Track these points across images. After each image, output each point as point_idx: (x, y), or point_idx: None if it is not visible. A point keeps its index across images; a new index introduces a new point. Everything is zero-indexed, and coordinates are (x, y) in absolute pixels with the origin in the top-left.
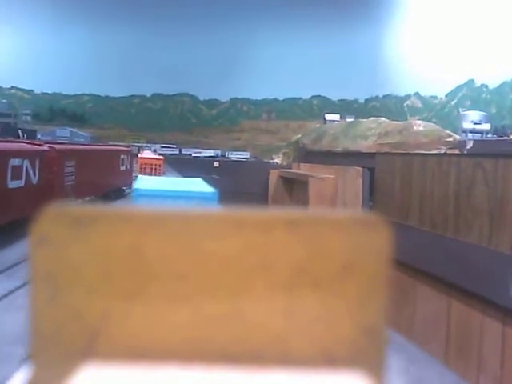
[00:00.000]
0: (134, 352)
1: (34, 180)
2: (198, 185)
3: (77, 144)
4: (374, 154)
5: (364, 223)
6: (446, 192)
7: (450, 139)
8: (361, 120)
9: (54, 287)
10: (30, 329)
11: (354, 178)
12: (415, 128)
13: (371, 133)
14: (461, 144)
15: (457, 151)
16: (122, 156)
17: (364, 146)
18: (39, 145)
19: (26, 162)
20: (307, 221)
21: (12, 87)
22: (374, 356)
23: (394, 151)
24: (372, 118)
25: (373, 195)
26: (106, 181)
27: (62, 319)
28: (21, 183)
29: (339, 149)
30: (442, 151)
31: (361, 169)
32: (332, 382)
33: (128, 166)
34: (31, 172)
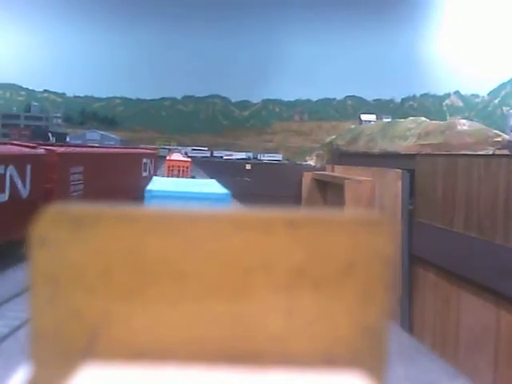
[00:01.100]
0: (134, 352)
1: (24, 192)
2: (211, 186)
3: (88, 146)
4: (415, 155)
5: (364, 224)
6: (495, 195)
7: (499, 139)
8: (399, 120)
9: (54, 287)
10: (30, 329)
11: (393, 181)
12: (459, 128)
13: (411, 133)
14: (511, 144)
15: (506, 152)
16: (144, 160)
17: (403, 147)
18: (33, 147)
19: (11, 170)
20: (307, 221)
21: (44, 90)
22: (374, 356)
23: (436, 152)
24: (411, 118)
25: (413, 198)
26: (123, 189)
27: (62, 319)
28: (3, 197)
29: (376, 150)
30: (490, 152)
31: (400, 171)
32: (332, 382)
33: (152, 171)
34: (19, 182)
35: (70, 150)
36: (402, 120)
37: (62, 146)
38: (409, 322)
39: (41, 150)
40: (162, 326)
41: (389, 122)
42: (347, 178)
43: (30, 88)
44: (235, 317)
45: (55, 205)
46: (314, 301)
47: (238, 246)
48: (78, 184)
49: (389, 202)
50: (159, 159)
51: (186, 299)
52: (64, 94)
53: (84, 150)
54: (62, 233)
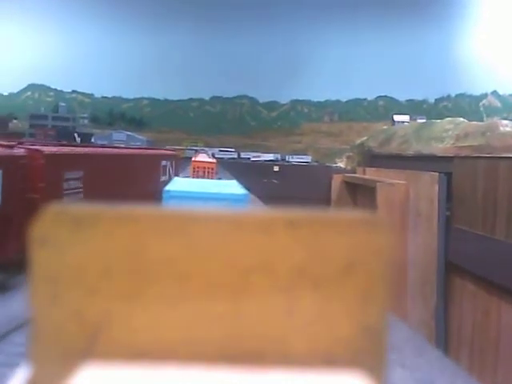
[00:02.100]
0: (135, 352)
1: None
2: (230, 187)
3: (93, 146)
4: (452, 157)
5: (364, 223)
6: None
7: None
8: (435, 121)
9: (54, 287)
10: (31, 329)
11: (428, 185)
12: (502, 129)
13: (448, 134)
14: None
15: None
16: (163, 162)
17: (440, 149)
18: (10, 147)
19: None
20: (307, 221)
21: (73, 91)
22: (374, 356)
23: (476, 155)
24: (448, 119)
25: (450, 203)
26: (136, 196)
27: (63, 319)
28: None
29: (410, 152)
30: None
31: (437, 174)
32: (332, 382)
33: (172, 175)
34: None
35: (65, 150)
36: (438, 121)
37: (56, 144)
38: (444, 336)
39: (19, 151)
40: (162, 325)
41: (424, 122)
42: (379, 181)
43: (59, 89)
44: (235, 317)
45: (55, 205)
46: (314, 301)
47: (238, 246)
48: (75, 193)
49: (424, 207)
50: (186, 161)
51: (187, 299)
52: (92, 94)
53: (85, 150)
54: (62, 233)
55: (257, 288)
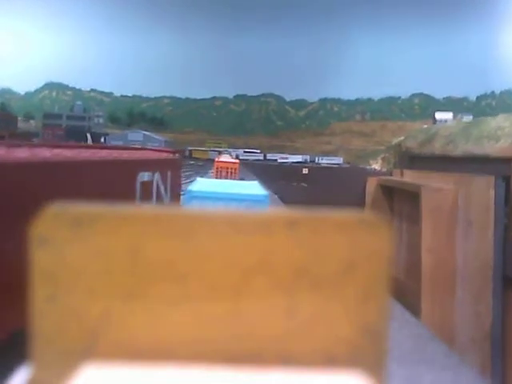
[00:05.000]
0: (135, 352)
1: None
2: (251, 188)
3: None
4: (510, 159)
5: (364, 223)
6: None
7: None
8: (485, 118)
9: (54, 287)
10: (30, 329)
11: (483, 190)
12: None
13: (504, 133)
14: None
15: None
16: (145, 175)
17: (495, 149)
18: None
19: None
20: (307, 221)
21: (91, 90)
22: (374, 356)
23: None
24: (502, 115)
25: (508, 210)
26: None
27: (62, 319)
28: None
29: (458, 153)
30: None
31: (493, 177)
32: (332, 382)
33: (166, 197)
34: None
35: None
36: (489, 118)
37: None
38: (501, 362)
39: None
40: (162, 326)
41: (472, 120)
42: (423, 186)
43: (77, 87)
44: (235, 317)
45: (55, 204)
46: (314, 301)
47: (238, 246)
48: None
49: (477, 215)
50: (208, 163)
51: (186, 300)
52: (111, 93)
53: None
54: (62, 232)
55: (256, 288)
